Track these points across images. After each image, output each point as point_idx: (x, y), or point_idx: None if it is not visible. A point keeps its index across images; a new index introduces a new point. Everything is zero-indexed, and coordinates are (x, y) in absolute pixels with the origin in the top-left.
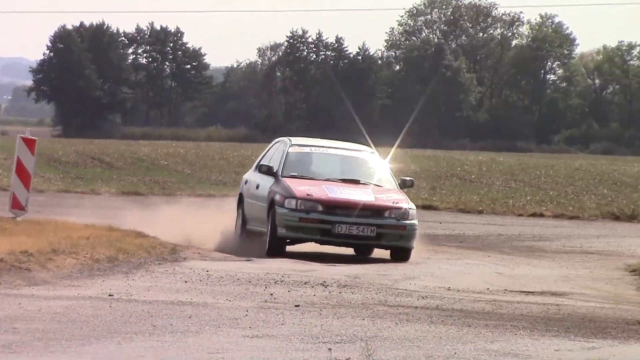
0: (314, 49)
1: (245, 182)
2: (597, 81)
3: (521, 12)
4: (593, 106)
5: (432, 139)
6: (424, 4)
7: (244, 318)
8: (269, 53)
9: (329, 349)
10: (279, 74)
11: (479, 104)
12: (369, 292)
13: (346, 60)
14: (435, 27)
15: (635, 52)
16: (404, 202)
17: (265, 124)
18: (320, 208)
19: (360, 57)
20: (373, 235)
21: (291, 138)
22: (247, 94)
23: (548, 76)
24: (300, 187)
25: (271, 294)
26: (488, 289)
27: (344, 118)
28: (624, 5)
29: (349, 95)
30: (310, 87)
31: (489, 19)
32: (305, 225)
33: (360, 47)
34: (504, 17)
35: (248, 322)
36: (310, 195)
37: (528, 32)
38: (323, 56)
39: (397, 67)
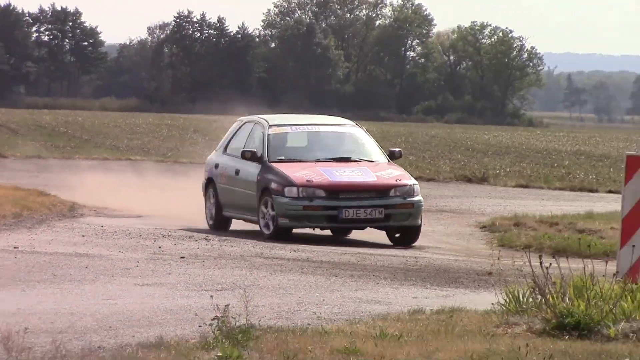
0: (199, 28)
1: (216, 167)
2: (452, 57)
3: None
4: (448, 80)
5: (304, 109)
6: None
7: (134, 268)
8: (158, 31)
9: (211, 296)
10: (166, 50)
11: (346, 78)
12: (246, 246)
13: (227, 39)
14: (307, 9)
15: (486, 31)
16: (406, 177)
17: (154, 96)
18: (323, 194)
19: (239, 36)
20: (381, 216)
21: (264, 117)
22: (138, 68)
23: (408, 53)
24: (297, 173)
25: (159, 247)
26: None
27: (224, 90)
28: None
29: (229, 70)
30: (195, 63)
31: (355, 1)
32: (310, 213)
33: (240, 26)
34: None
35: (138, 271)
36: (311, 181)
37: (390, 13)
38: (207, 34)
39: (273, 45)
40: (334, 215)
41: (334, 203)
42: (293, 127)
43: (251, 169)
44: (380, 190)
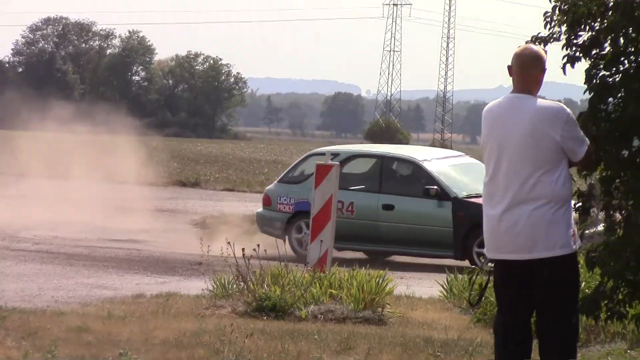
0: None
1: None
2: (170, 81)
3: (114, 28)
4: (167, 100)
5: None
6: (41, 21)
7: None
8: None
9: None
10: None
11: (81, 98)
12: None
13: None
14: (49, 39)
15: (199, 59)
16: None
17: None
18: None
19: None
20: None
21: (409, 154)
22: None
23: (134, 77)
24: None
25: None
26: (86, 237)
27: None
28: (223, 23)
29: None
30: None
31: (90, 33)
32: None
33: None
34: (101, 31)
35: None
36: None
37: (119, 44)
38: None
39: (20, 70)
40: None
41: None
42: (448, 160)
43: (429, 206)
44: None
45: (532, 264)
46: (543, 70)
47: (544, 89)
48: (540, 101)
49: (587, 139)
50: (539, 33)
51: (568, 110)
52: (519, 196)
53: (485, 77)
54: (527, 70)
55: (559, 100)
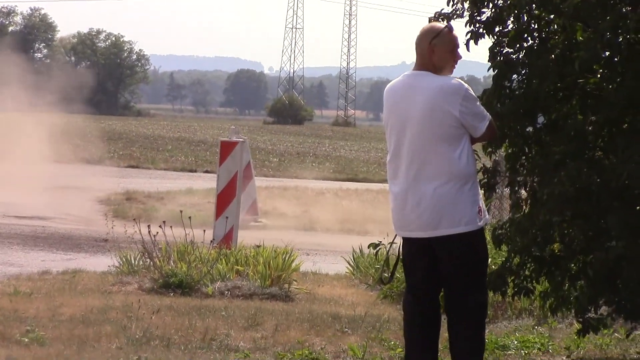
0: None
1: None
2: (73, 58)
3: (16, 5)
4: (70, 77)
5: None
6: None
7: None
8: None
9: None
10: None
11: None
12: None
13: None
14: None
15: (102, 36)
16: None
17: None
18: None
19: None
20: None
21: None
22: None
23: (36, 54)
24: None
25: None
26: None
27: None
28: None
29: None
30: None
31: None
32: None
33: None
34: (2, 9)
35: None
36: None
37: (21, 21)
38: None
39: None
40: None
41: None
42: None
43: None
44: None
45: (438, 240)
46: (432, 44)
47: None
48: (438, 78)
49: (488, 114)
50: (442, 9)
51: (466, 86)
52: (422, 173)
53: (388, 54)
54: (418, 45)
55: (462, 78)
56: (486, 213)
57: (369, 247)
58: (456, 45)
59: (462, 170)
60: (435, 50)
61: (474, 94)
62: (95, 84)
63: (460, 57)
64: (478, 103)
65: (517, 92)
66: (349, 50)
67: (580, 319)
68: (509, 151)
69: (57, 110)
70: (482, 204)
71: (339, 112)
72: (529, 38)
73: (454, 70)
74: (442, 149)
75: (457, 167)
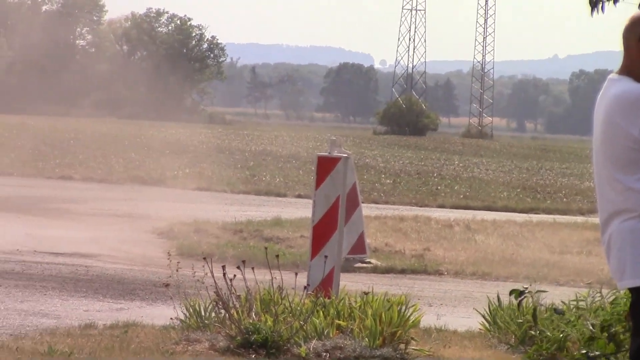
0: None
1: None
2: (125, 47)
3: None
4: (121, 71)
5: None
6: None
7: None
8: None
9: None
10: None
11: (9, 68)
12: None
13: None
14: None
15: (163, 19)
16: None
17: None
18: None
19: None
20: None
21: None
22: None
23: (78, 41)
24: None
25: None
26: (18, 249)
27: None
28: None
29: None
30: None
31: None
32: None
33: None
34: None
35: None
36: None
37: None
38: None
39: None
40: None
41: None
42: None
43: None
44: None
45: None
46: None
47: None
48: (623, 84)
49: None
50: None
51: None
52: (606, 207)
53: (536, 45)
54: (625, 39)
55: None
56: None
57: (510, 294)
58: None
59: None
60: None
61: None
62: (153, 81)
63: None
64: None
65: None
66: (484, 40)
67: None
68: None
69: (101, 114)
70: None
71: (472, 120)
72: None
73: None
74: (623, 177)
75: (637, 200)
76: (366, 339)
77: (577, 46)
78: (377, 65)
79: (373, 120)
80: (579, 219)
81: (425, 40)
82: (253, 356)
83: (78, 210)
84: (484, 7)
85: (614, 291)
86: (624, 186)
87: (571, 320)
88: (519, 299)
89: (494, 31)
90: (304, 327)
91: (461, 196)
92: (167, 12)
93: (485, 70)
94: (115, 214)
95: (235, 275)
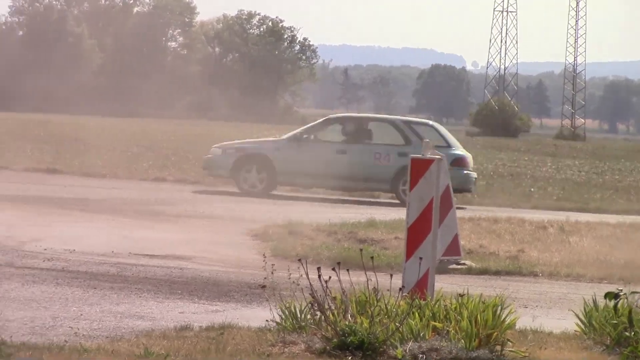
0: None
1: None
2: (217, 49)
3: None
4: (213, 73)
5: (53, 103)
6: None
7: None
8: None
9: None
10: None
11: (100, 70)
12: None
13: None
14: None
15: (254, 20)
16: None
17: None
18: None
19: None
20: None
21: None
22: None
23: (169, 43)
24: None
25: None
26: (113, 251)
27: None
28: None
29: None
30: None
31: None
32: None
33: None
34: None
35: None
36: None
37: (150, 0)
38: None
39: (21, 33)
40: None
41: None
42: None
43: None
44: None
45: None
46: None
47: None
48: None
49: None
50: None
51: None
52: None
53: (626, 47)
54: None
55: None
56: None
57: (605, 297)
58: None
59: None
60: None
61: None
62: (246, 83)
63: None
64: None
65: None
66: (576, 41)
67: None
68: None
69: (193, 116)
70: None
71: (564, 122)
72: None
73: None
74: None
75: None
76: (462, 341)
77: None
78: (468, 67)
79: (465, 121)
80: None
81: (516, 42)
82: (349, 358)
83: (171, 212)
84: (575, 9)
85: None
86: None
87: None
88: (614, 301)
89: (585, 32)
90: (400, 329)
91: (554, 198)
92: (258, 14)
93: (577, 72)
94: (209, 216)
95: (330, 277)
